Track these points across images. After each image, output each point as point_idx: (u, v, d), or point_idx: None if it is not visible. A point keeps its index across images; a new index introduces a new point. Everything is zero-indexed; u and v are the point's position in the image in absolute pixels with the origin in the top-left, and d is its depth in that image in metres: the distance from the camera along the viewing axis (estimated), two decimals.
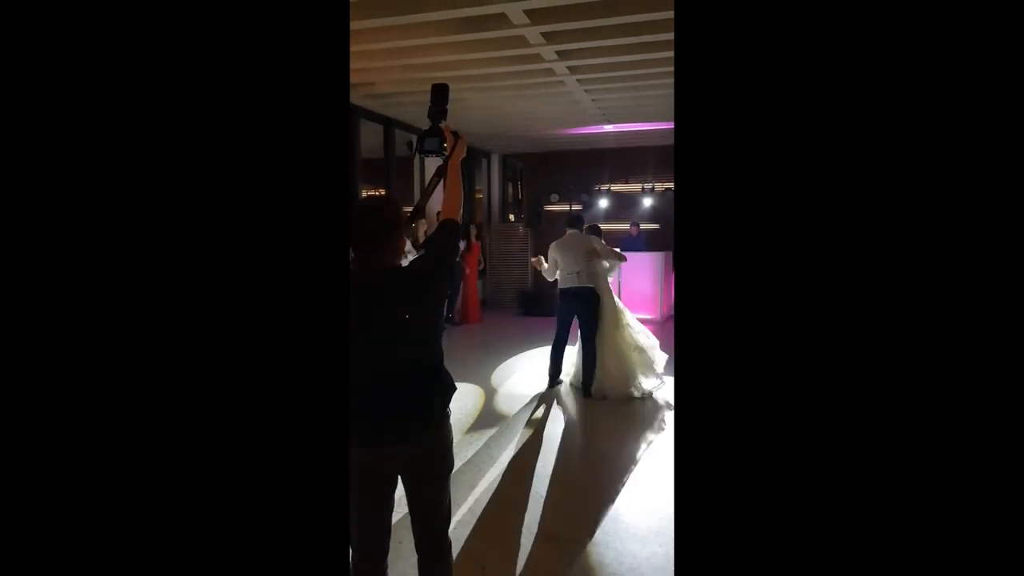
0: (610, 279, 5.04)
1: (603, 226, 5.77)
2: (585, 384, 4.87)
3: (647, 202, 9.97)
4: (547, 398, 4.89)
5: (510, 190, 11.24)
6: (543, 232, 9.73)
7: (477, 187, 10.30)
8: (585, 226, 5.16)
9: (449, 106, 1.82)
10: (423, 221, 6.37)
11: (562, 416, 4.50)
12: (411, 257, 1.82)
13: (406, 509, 1.75)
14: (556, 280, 4.96)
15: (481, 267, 8.75)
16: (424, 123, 1.83)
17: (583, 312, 4.85)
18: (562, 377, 5.20)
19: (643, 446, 3.82)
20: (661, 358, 4.98)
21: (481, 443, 3.90)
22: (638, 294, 8.15)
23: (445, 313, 1.76)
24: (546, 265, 4.98)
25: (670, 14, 3.90)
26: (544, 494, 3.13)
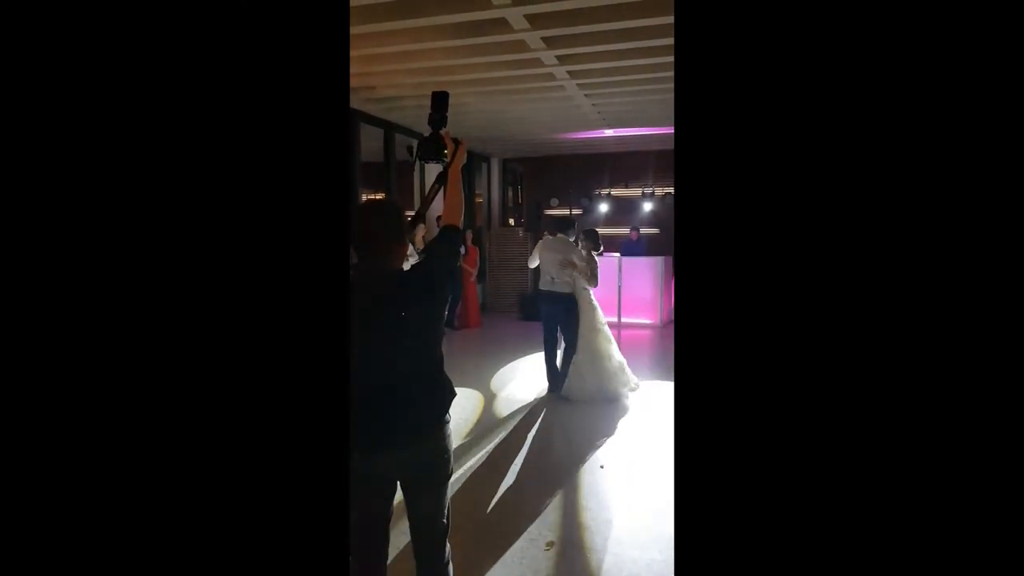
0: (591, 290, 4.97)
1: (603, 231, 5.68)
2: (558, 382, 4.95)
3: (647, 207, 9.98)
4: (546, 403, 4.88)
5: (510, 194, 11.26)
6: (543, 236, 9.73)
7: (477, 191, 10.31)
8: (583, 230, 5.14)
9: (449, 111, 1.82)
10: (422, 226, 6.39)
11: (561, 422, 4.49)
12: (412, 261, 1.82)
13: (405, 515, 1.75)
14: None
15: (477, 270, 8.75)
16: (424, 128, 1.83)
17: (559, 316, 4.95)
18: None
19: (643, 452, 3.81)
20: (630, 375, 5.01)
21: (480, 448, 3.89)
22: (638, 299, 8.15)
23: (446, 317, 1.75)
24: (535, 255, 5.07)
25: (670, 19, 3.91)
26: (543, 500, 3.12)
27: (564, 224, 5.15)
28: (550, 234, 5.17)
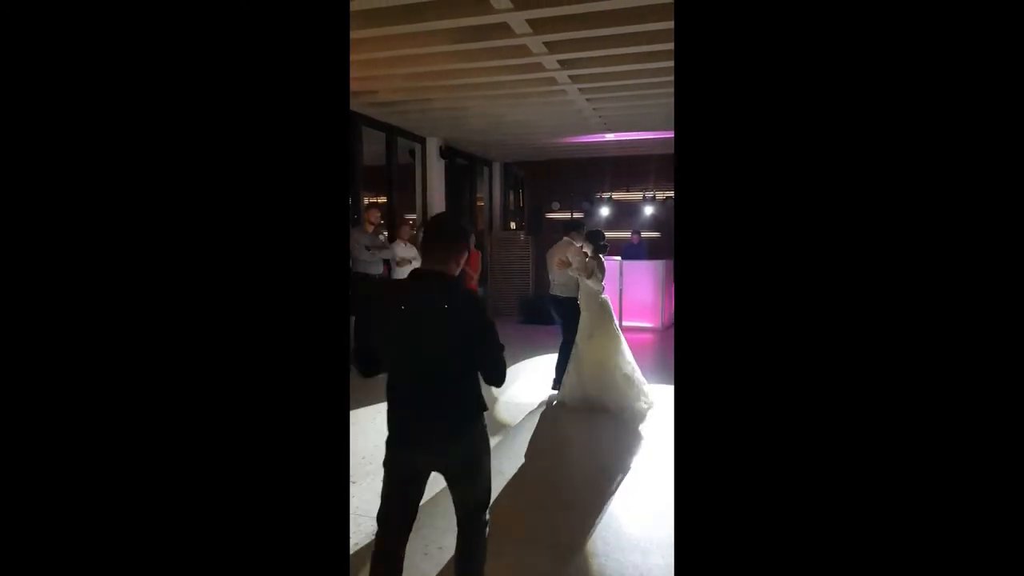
0: (601, 294, 4.80)
1: (604, 234, 5.65)
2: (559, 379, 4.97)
3: (648, 210, 9.97)
4: (548, 407, 4.87)
5: (511, 198, 11.26)
6: (544, 240, 9.74)
7: (479, 195, 10.32)
8: (584, 232, 5.08)
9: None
10: (407, 227, 6.56)
11: (564, 426, 4.48)
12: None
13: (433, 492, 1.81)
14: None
15: (479, 273, 8.74)
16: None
17: (560, 317, 4.99)
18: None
19: (645, 457, 3.80)
20: (646, 389, 4.81)
21: None
22: (639, 302, 8.13)
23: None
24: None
25: (671, 24, 3.91)
26: (546, 504, 3.12)
27: (568, 227, 5.12)
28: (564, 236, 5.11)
